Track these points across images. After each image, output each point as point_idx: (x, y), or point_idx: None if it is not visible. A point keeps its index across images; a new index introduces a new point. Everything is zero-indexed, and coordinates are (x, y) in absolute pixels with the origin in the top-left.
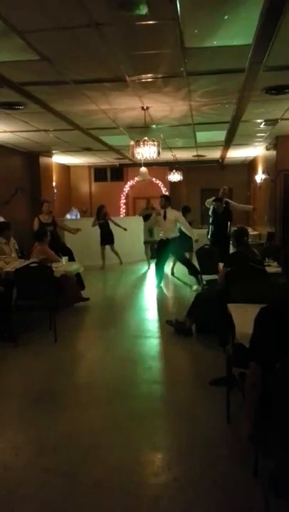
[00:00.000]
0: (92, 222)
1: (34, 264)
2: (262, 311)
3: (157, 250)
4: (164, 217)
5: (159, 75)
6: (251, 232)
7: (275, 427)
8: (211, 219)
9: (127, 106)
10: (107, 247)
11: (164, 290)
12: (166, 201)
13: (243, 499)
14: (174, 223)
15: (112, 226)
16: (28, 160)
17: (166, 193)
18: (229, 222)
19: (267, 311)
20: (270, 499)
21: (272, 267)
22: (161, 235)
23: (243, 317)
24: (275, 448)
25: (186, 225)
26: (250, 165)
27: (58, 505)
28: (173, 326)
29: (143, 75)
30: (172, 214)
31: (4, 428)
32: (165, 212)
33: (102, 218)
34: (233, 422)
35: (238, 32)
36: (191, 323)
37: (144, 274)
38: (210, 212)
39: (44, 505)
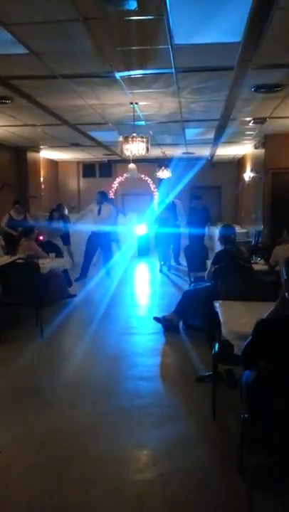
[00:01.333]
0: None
1: (20, 261)
2: (260, 323)
3: (87, 243)
4: (98, 212)
5: (148, 72)
6: (239, 230)
7: (260, 424)
8: (188, 217)
9: (116, 102)
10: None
11: (152, 287)
12: (102, 197)
13: (228, 495)
14: (106, 219)
15: None
16: (15, 155)
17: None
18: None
19: (265, 324)
20: (255, 495)
21: (259, 265)
22: (92, 228)
23: (230, 314)
24: (262, 444)
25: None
26: (239, 163)
27: (43, 503)
28: (160, 323)
29: (132, 71)
30: (106, 210)
31: None
32: (100, 207)
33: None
34: (219, 419)
35: (227, 29)
36: (178, 320)
37: (133, 271)
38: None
39: (29, 503)
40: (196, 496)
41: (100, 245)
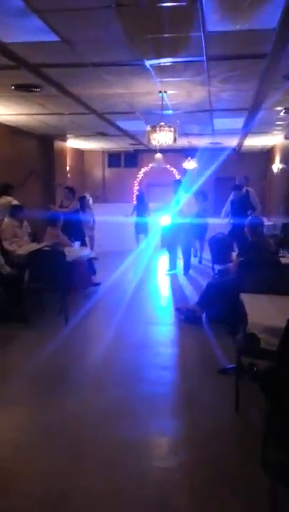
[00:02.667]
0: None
1: (46, 248)
2: None
3: (168, 234)
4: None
5: (179, 59)
6: (266, 222)
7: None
8: (229, 207)
9: (145, 90)
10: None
11: (176, 277)
12: (178, 185)
13: (249, 489)
14: (188, 209)
15: None
16: (43, 144)
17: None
18: (250, 211)
19: None
20: (278, 491)
21: (287, 258)
22: (173, 218)
23: (256, 307)
24: (286, 438)
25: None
26: (267, 154)
27: (64, 485)
28: (183, 314)
29: (162, 59)
30: (186, 199)
31: (12, 408)
32: (178, 196)
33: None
34: (242, 412)
35: (261, 16)
36: (201, 312)
37: (156, 261)
38: (229, 201)
39: (50, 484)
40: (216, 488)
41: (179, 238)
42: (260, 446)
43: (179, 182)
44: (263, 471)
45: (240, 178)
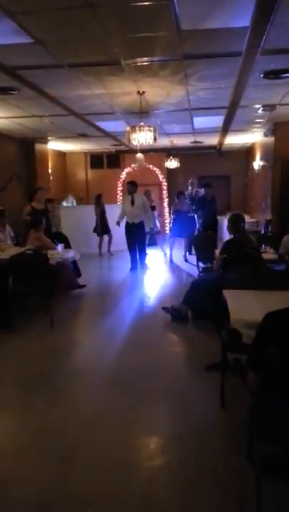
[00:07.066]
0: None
1: (29, 252)
2: (267, 316)
3: (126, 235)
4: (132, 202)
5: (155, 59)
6: (248, 219)
7: (269, 412)
8: (196, 206)
9: (123, 90)
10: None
11: (161, 276)
12: (133, 187)
13: (236, 483)
14: (141, 208)
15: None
16: (24, 147)
17: (133, 180)
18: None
19: (272, 317)
20: (263, 484)
21: (269, 254)
22: (127, 220)
23: (238, 303)
24: (270, 432)
25: (148, 211)
26: (248, 152)
27: (53, 489)
28: (169, 313)
29: (138, 59)
30: (139, 199)
31: (0, 412)
32: (132, 197)
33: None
34: (228, 407)
35: (235, 14)
36: (187, 310)
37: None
38: (189, 198)
39: (40, 489)
40: (204, 484)
41: (136, 236)
42: (246, 440)
43: (132, 183)
44: (249, 466)
45: (192, 181)
